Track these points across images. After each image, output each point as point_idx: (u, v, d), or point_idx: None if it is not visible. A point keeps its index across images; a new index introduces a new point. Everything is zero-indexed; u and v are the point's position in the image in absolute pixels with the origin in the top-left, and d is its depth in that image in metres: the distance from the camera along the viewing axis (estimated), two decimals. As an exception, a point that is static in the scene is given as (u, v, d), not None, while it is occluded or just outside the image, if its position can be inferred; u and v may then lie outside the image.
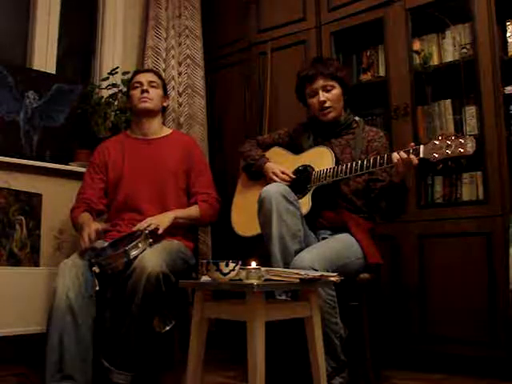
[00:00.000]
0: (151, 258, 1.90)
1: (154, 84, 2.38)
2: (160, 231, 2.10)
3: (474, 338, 2.25)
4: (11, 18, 2.84)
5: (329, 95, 2.16)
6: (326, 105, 2.15)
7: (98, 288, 1.93)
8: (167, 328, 2.02)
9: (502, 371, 2.16)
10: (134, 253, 1.94)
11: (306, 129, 2.32)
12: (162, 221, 2.14)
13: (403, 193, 2.02)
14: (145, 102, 2.34)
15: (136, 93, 2.36)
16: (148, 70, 2.53)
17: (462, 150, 1.79)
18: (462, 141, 1.79)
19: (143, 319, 1.90)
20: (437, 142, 1.84)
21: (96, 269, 1.94)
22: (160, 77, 2.48)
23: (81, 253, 2.04)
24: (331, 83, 2.16)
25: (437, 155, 1.83)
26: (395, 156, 1.89)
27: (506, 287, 2.10)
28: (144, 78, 2.39)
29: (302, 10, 2.96)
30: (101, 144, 2.47)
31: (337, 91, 2.17)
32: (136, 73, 2.47)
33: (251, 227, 2.14)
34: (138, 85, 2.37)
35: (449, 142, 1.81)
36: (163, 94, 2.44)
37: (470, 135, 1.87)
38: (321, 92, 2.16)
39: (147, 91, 2.34)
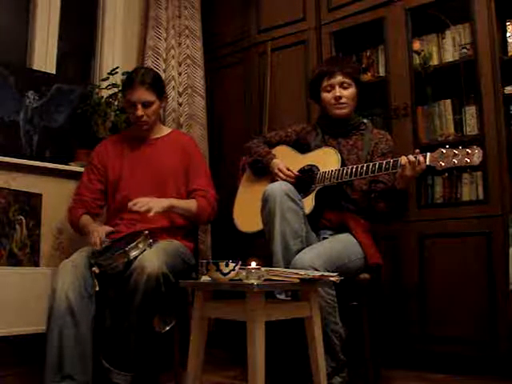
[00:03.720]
0: (151, 259, 1.90)
1: (147, 104, 2.23)
2: (151, 214, 2.06)
3: (474, 338, 2.25)
4: (11, 18, 2.84)
5: (345, 92, 2.19)
6: (342, 101, 2.18)
7: (97, 288, 1.93)
8: (167, 328, 2.02)
9: (502, 371, 2.16)
10: (133, 253, 1.94)
11: (314, 127, 2.33)
12: (156, 204, 2.10)
13: (404, 197, 2.02)
14: (141, 126, 2.28)
15: (131, 112, 2.27)
16: (140, 84, 2.21)
17: (468, 161, 1.80)
18: (469, 151, 1.80)
19: (143, 319, 1.90)
20: (444, 151, 1.84)
21: (96, 269, 1.94)
22: (154, 87, 2.25)
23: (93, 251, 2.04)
24: (349, 81, 2.19)
25: (443, 164, 1.84)
26: (403, 159, 1.89)
27: (505, 287, 2.10)
28: (136, 96, 2.21)
29: (301, 9, 2.96)
30: (100, 144, 2.45)
31: (353, 90, 2.20)
32: (128, 86, 2.24)
33: (253, 224, 2.14)
34: (132, 104, 2.24)
35: (456, 152, 1.82)
36: (160, 103, 2.32)
37: (474, 142, 1.88)
38: (337, 87, 2.18)
39: (142, 116, 2.24)
